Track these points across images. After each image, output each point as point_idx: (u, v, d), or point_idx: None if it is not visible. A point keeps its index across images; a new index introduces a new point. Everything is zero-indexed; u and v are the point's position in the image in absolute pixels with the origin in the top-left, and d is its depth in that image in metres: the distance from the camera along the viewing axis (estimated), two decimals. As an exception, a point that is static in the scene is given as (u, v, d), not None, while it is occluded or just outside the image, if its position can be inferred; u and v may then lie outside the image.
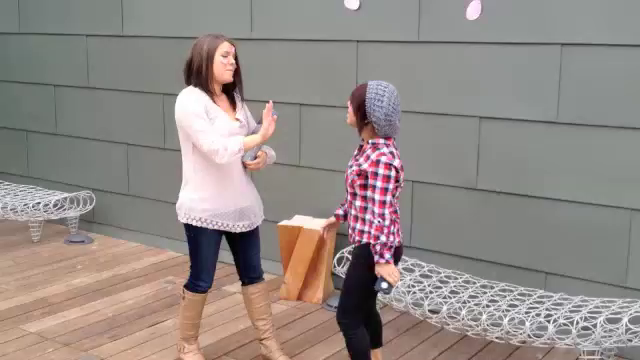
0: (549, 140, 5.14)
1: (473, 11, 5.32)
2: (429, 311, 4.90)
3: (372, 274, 3.89)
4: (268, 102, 4.35)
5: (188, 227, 4.44)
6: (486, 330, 4.70)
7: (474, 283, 5.25)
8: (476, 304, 4.87)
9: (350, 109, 3.98)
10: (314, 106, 6.16)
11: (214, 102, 4.34)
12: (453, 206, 5.57)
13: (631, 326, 4.40)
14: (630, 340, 4.47)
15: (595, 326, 4.44)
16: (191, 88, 4.35)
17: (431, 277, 5.29)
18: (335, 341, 5.14)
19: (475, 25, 5.32)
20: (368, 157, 3.88)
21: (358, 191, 3.92)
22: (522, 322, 4.60)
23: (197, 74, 4.31)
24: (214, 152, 4.18)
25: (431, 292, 5.05)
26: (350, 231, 4.06)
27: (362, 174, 3.87)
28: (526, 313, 4.70)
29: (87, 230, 7.76)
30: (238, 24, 6.46)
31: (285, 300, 5.90)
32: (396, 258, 3.97)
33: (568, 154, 5.08)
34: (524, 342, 4.70)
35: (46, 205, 7.31)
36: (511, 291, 5.12)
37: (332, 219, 4.36)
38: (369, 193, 3.86)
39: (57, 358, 4.85)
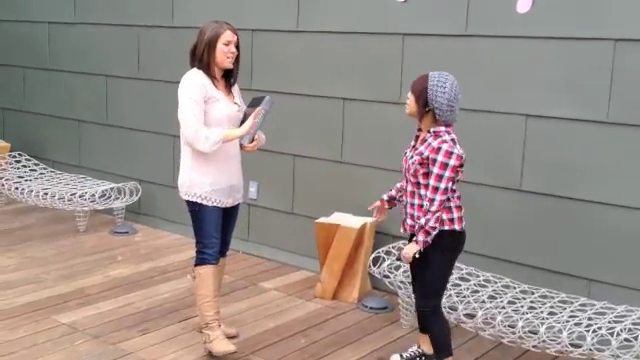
0: (598, 141, 4.90)
1: (523, 4, 5.11)
2: (464, 315, 4.70)
3: (446, 257, 4.12)
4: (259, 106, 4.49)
5: (191, 203, 4.63)
6: (522, 338, 4.48)
7: (514, 288, 5.03)
8: (514, 310, 4.66)
9: (411, 98, 4.07)
10: (358, 100, 6.01)
11: (215, 86, 4.54)
12: (495, 207, 5.36)
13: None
14: (675, 355, 4.22)
15: (637, 338, 4.19)
16: (195, 70, 4.54)
17: (469, 280, 5.09)
18: (366, 343, 5.01)
19: (525, 19, 5.10)
20: (429, 145, 3.98)
21: (421, 180, 4.01)
22: (560, 331, 4.37)
23: (200, 59, 4.52)
24: (196, 139, 4.39)
25: (468, 296, 4.86)
26: (412, 221, 4.11)
27: (424, 162, 3.97)
28: (566, 321, 4.47)
29: (133, 221, 7.75)
30: (285, 16, 6.36)
31: (320, 299, 5.75)
32: (459, 243, 4.14)
33: (617, 156, 4.83)
34: (561, 352, 4.46)
35: (92, 195, 7.32)
36: (552, 298, 4.90)
37: (377, 203, 4.52)
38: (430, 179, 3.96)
39: (84, 350, 4.80)
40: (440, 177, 3.90)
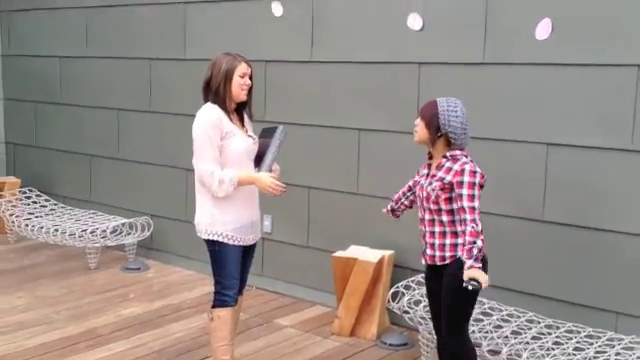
0: (622, 169, 4.76)
1: (542, 30, 4.96)
2: (488, 352, 4.54)
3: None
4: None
5: (212, 242, 4.42)
6: (549, 376, 4.32)
7: (538, 322, 4.87)
8: (539, 346, 4.50)
9: (420, 125, 4.03)
10: (373, 131, 5.89)
11: (230, 120, 4.37)
12: (517, 238, 5.20)
13: None
14: None
15: (670, 375, 4.03)
16: (210, 105, 4.36)
17: (492, 315, 4.93)
18: (387, 382, 4.85)
19: (544, 45, 4.96)
20: (450, 169, 3.91)
21: (443, 206, 3.93)
22: (589, 368, 4.20)
23: (215, 92, 4.35)
24: (210, 183, 4.25)
25: (491, 331, 4.70)
26: (433, 251, 4.01)
27: (447, 187, 3.89)
28: (594, 357, 4.31)
29: (145, 257, 7.61)
30: (298, 47, 6.26)
31: (338, 336, 5.58)
32: (484, 269, 3.90)
33: (643, 184, 4.69)
34: (591, 391, 4.30)
35: (103, 231, 7.20)
36: (578, 332, 4.73)
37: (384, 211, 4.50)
38: (456, 204, 3.87)
39: (94, 397, 4.67)
40: (472, 197, 3.81)
